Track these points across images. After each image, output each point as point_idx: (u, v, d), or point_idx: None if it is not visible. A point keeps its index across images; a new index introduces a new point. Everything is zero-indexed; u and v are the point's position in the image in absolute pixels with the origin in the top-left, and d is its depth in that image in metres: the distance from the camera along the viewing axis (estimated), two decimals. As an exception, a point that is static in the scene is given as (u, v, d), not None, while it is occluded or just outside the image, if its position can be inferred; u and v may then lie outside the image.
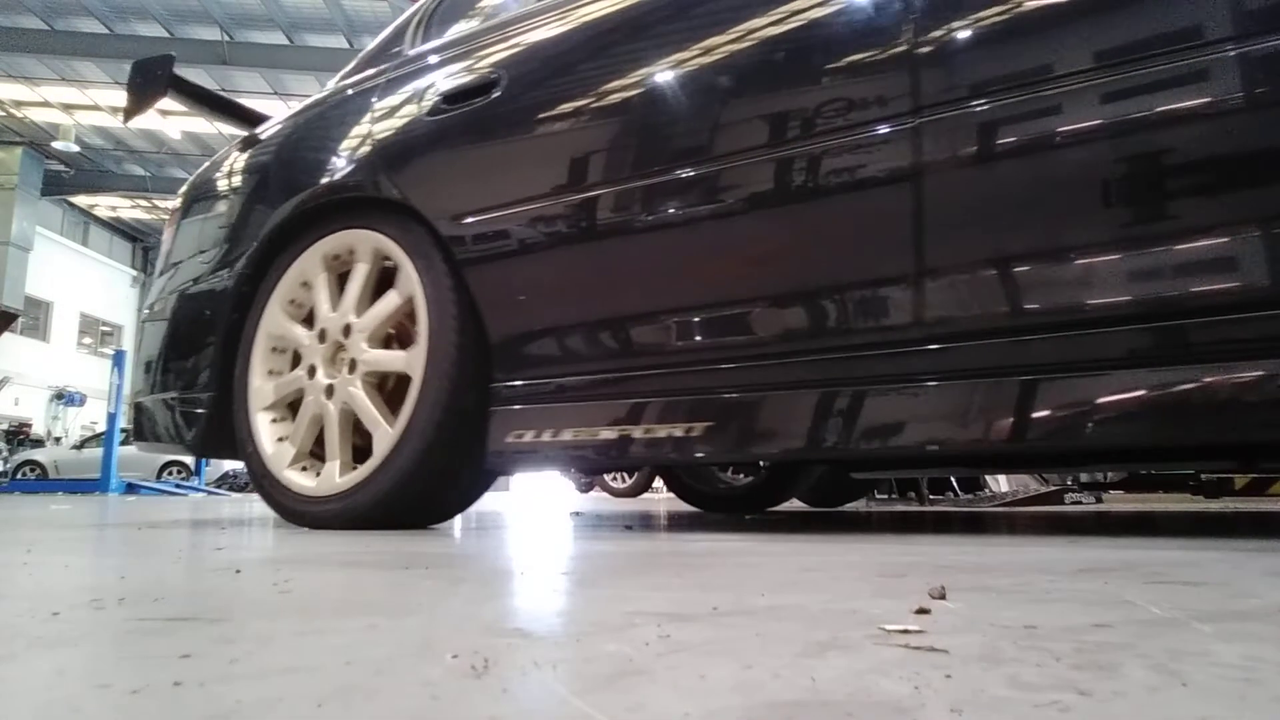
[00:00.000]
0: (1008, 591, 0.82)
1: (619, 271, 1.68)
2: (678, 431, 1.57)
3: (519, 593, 0.89)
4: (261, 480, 2.01)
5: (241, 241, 2.19)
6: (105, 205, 23.97)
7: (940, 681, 0.47)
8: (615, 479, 9.84)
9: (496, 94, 1.87)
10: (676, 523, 2.61)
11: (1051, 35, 1.34)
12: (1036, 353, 1.30)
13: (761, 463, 3.16)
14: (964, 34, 1.40)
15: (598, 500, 7.41)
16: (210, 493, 10.02)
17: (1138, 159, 1.26)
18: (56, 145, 18.30)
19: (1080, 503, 4.76)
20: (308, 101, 2.42)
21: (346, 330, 1.94)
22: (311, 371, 1.98)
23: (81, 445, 15.41)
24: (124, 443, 8.61)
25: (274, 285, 2.10)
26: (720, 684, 0.48)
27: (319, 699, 0.45)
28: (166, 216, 2.59)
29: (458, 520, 2.79)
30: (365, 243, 1.98)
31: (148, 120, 17.59)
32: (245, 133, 2.56)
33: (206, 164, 2.63)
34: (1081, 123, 1.29)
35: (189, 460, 12.67)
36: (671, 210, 1.61)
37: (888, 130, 1.42)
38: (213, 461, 12.62)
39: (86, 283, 24.09)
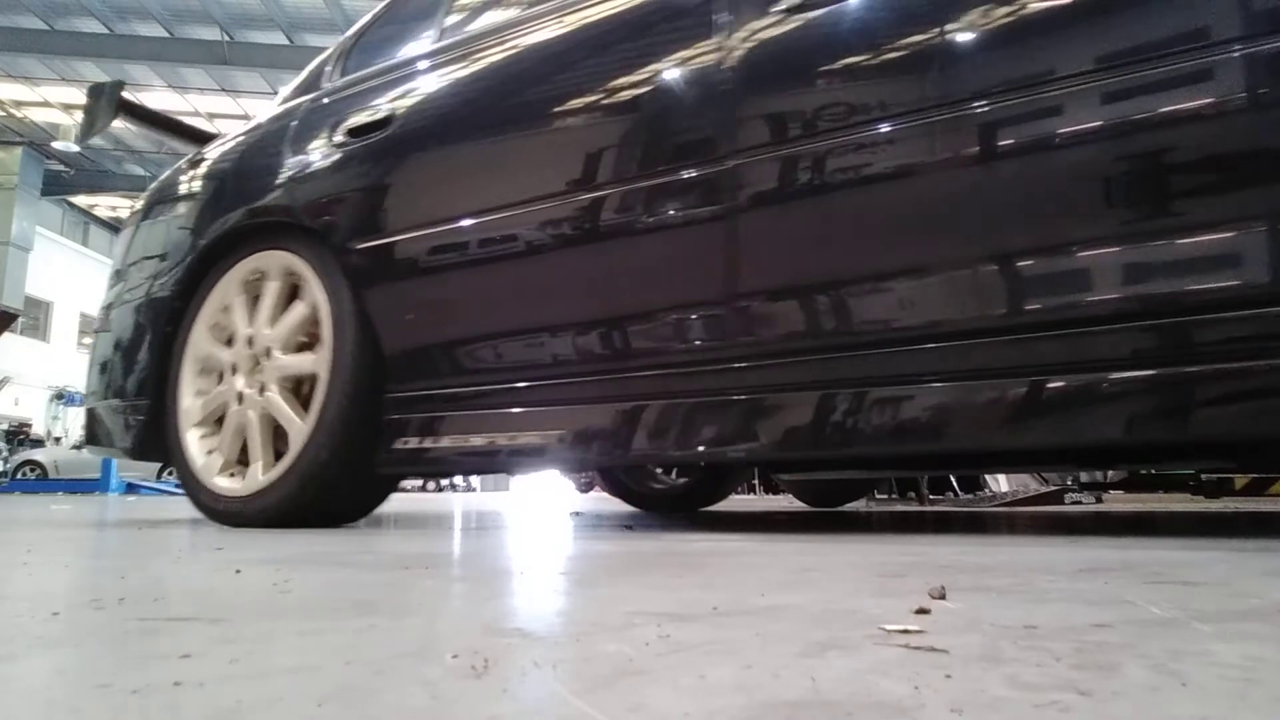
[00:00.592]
0: (1008, 591, 0.82)
1: (483, 295, 1.85)
2: (536, 440, 1.74)
3: (519, 593, 0.89)
4: (191, 486, 2.17)
5: (176, 258, 2.34)
6: (105, 205, 23.98)
7: (940, 681, 0.47)
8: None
9: (389, 130, 2.06)
10: (676, 523, 2.61)
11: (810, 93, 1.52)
12: (832, 369, 1.47)
13: (680, 465, 3.33)
14: (770, 86, 1.57)
15: (598, 500, 7.42)
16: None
17: (892, 200, 1.42)
18: (56, 145, 18.31)
19: (1080, 503, 4.76)
20: (245, 125, 2.58)
21: (262, 341, 2.12)
22: (235, 387, 2.14)
23: (81, 445, 15.40)
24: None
25: (201, 305, 2.25)
26: (720, 684, 0.48)
27: (319, 699, 0.45)
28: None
29: (457, 520, 2.79)
30: (277, 262, 2.16)
31: (148, 120, 17.58)
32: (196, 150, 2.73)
33: (156, 181, 2.76)
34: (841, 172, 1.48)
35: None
36: (522, 242, 1.80)
37: (696, 175, 1.61)
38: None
39: (86, 283, 24.08)
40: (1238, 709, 0.42)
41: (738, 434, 1.53)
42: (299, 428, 1.96)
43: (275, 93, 15.41)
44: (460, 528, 2.34)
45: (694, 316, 1.60)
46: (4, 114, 17.73)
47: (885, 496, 5.23)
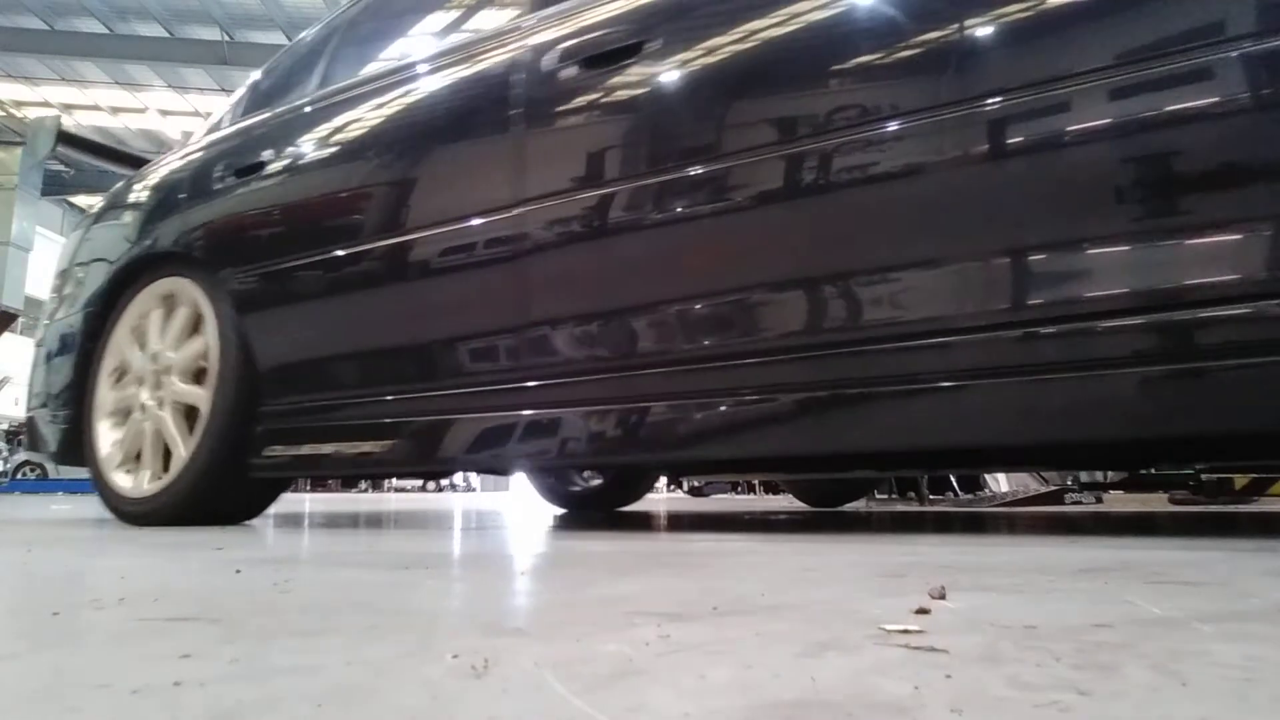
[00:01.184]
0: (1008, 591, 0.82)
1: (327, 322, 2.09)
2: (366, 447, 1.99)
3: (519, 592, 0.89)
4: (98, 481, 2.38)
5: (97, 279, 2.58)
6: (105, 205, 23.96)
7: (940, 681, 0.47)
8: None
9: (262, 172, 2.31)
10: (676, 523, 2.61)
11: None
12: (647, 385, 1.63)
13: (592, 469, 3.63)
14: (554, 134, 1.80)
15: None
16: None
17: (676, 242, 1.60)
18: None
19: (1080, 503, 4.76)
20: (164, 156, 2.83)
21: (164, 361, 2.33)
22: (139, 391, 2.35)
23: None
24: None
25: (121, 314, 2.48)
26: (720, 684, 0.48)
27: (319, 699, 0.45)
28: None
29: (457, 520, 2.79)
30: (185, 289, 2.36)
31: (148, 120, 17.60)
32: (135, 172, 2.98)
33: (100, 201, 2.98)
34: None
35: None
36: (356, 277, 2.04)
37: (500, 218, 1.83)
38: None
39: (86, 283, 24.03)
40: (1238, 709, 0.42)
41: (528, 446, 1.76)
42: (189, 439, 2.20)
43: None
44: (460, 527, 2.34)
45: (492, 342, 1.83)
46: (4, 114, 17.72)
47: (885, 496, 5.23)
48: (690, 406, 1.57)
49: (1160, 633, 0.60)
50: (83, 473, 2.56)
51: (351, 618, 0.71)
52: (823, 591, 0.83)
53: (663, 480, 10.92)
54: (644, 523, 2.52)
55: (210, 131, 2.69)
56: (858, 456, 1.94)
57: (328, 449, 2.04)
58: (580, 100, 1.76)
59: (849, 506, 4.18)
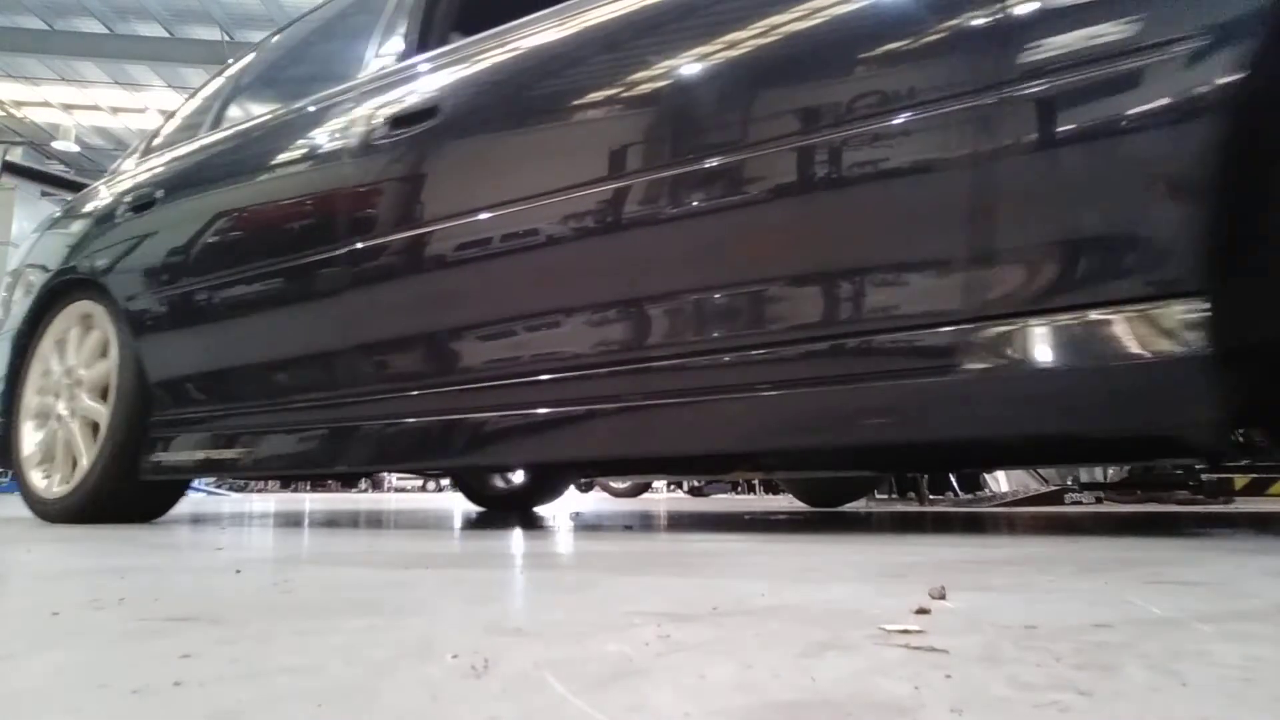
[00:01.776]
0: (1008, 591, 0.82)
1: (194, 343, 2.34)
2: (230, 454, 2.23)
3: (519, 592, 0.89)
4: (18, 478, 2.63)
5: (28, 299, 2.82)
6: (105, 205, 23.94)
7: (940, 681, 0.47)
8: (617, 479, 9.83)
9: (153, 208, 2.56)
10: (676, 523, 2.61)
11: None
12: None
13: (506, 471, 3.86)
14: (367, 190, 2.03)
15: (598, 500, 7.42)
16: (210, 492, 10.02)
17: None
18: (56, 145, 18.29)
19: (1080, 503, 4.76)
20: (95, 184, 3.12)
21: (77, 377, 2.57)
22: (56, 402, 2.59)
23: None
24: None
25: (47, 327, 2.73)
26: (720, 684, 0.48)
27: (319, 699, 0.45)
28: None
29: (457, 520, 2.79)
30: (97, 312, 2.58)
31: (148, 120, 17.59)
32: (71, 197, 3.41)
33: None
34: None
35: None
36: (223, 303, 2.27)
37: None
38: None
39: (86, 283, 24.04)
40: (1238, 709, 0.42)
41: (351, 453, 1.99)
42: (92, 447, 2.44)
43: (275, 93, 15.45)
44: (460, 527, 2.34)
45: (320, 364, 2.07)
46: (4, 114, 17.72)
47: (885, 496, 5.22)
48: (498, 418, 1.77)
49: (1160, 633, 0.60)
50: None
51: (351, 618, 0.71)
52: (823, 591, 0.83)
53: (661, 481, 10.97)
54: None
55: (121, 166, 3.04)
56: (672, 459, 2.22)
57: (200, 455, 2.30)
58: (391, 155, 2.01)
59: (849, 506, 4.18)
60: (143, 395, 2.40)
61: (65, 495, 2.45)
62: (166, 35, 14.76)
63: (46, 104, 17.42)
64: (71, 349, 2.62)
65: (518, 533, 1.98)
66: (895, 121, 1.32)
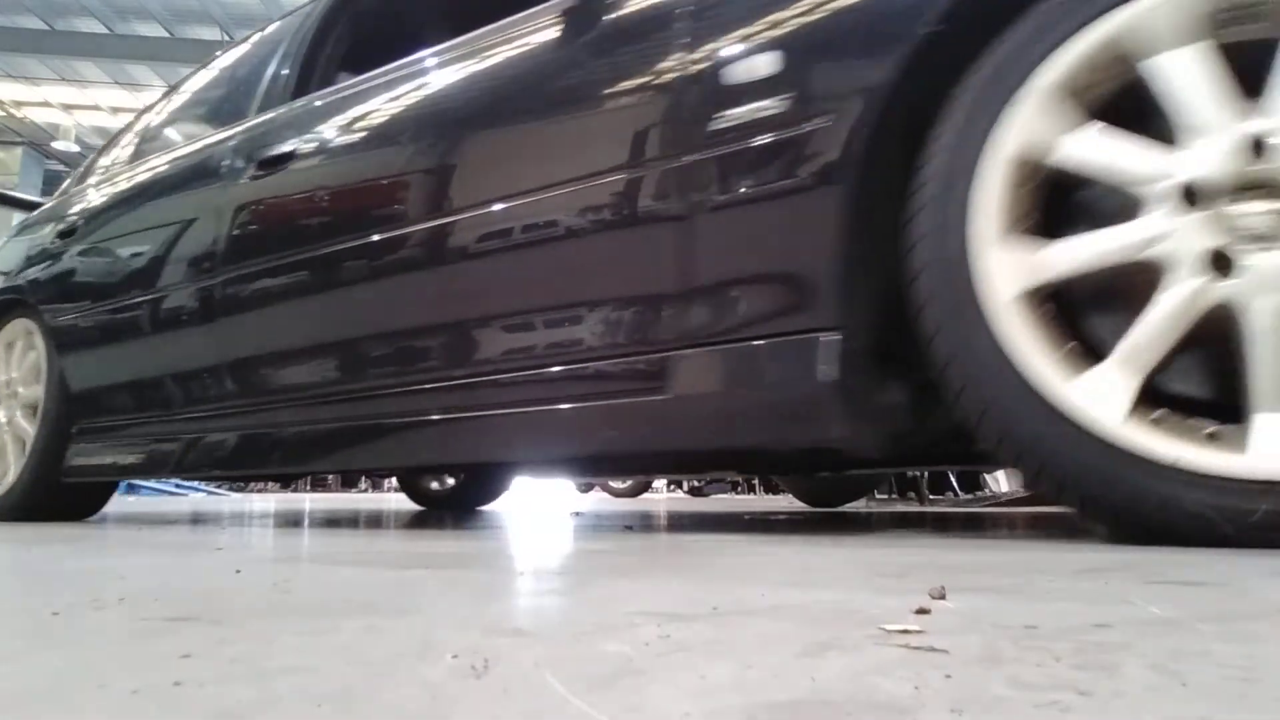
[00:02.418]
0: (1008, 591, 0.82)
1: (108, 359, 2.57)
2: (132, 459, 2.50)
3: (519, 593, 0.89)
4: None
5: None
6: (105, 205, 23.93)
7: (940, 681, 0.47)
8: (616, 479, 9.83)
9: (74, 236, 2.82)
10: (676, 523, 2.61)
11: None
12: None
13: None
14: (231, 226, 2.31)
15: (598, 500, 7.42)
16: (210, 493, 10.02)
17: None
18: (56, 145, 18.29)
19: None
20: (40, 208, 3.45)
21: (14, 389, 2.87)
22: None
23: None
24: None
25: None
26: (720, 684, 0.48)
27: (319, 699, 0.45)
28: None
29: (457, 519, 2.79)
30: (35, 327, 2.85)
31: (148, 120, 17.58)
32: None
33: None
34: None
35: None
36: (125, 323, 2.53)
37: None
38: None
39: (86, 283, 24.01)
40: (1238, 709, 0.42)
41: (231, 459, 2.25)
42: (21, 457, 2.74)
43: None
44: (460, 527, 2.34)
45: (210, 378, 2.30)
46: (4, 114, 17.72)
47: (885, 496, 5.22)
48: (342, 428, 2.04)
49: (1160, 633, 0.60)
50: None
51: (351, 618, 0.71)
52: (823, 591, 0.83)
53: (662, 481, 10.99)
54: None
55: (57, 196, 3.32)
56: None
57: (109, 459, 2.54)
58: (256, 194, 2.26)
59: (849, 506, 4.18)
60: (66, 407, 2.67)
61: (5, 493, 2.75)
62: (166, 35, 14.77)
63: (46, 104, 17.43)
64: (14, 362, 2.91)
65: (517, 533, 1.98)
66: (615, 178, 1.53)
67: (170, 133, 2.93)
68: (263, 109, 2.40)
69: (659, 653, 0.55)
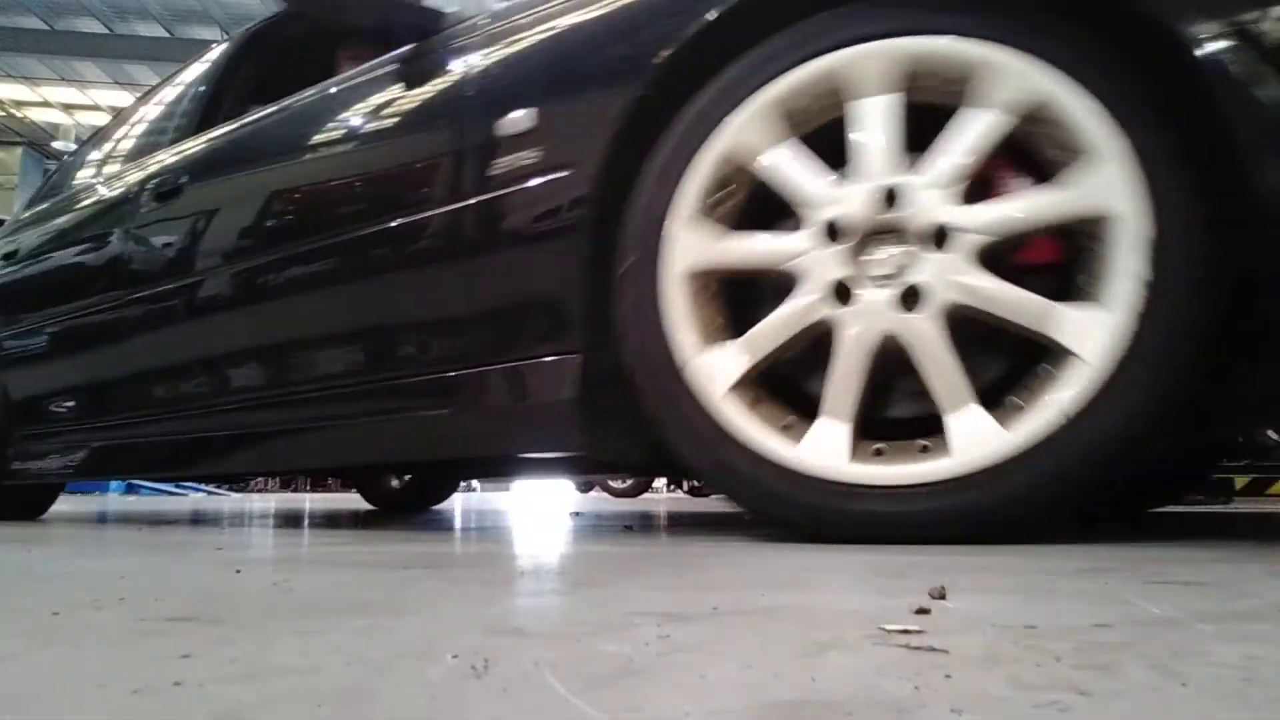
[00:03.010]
0: (1008, 591, 0.82)
1: (39, 373, 2.83)
2: (61, 464, 2.68)
3: (519, 593, 0.89)
4: None
5: None
6: (105, 205, 23.92)
7: (940, 681, 0.47)
8: (616, 479, 9.83)
9: (15, 257, 3.04)
10: (677, 524, 2.61)
11: None
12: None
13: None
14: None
15: (598, 500, 7.41)
16: (210, 492, 10.02)
17: None
18: (56, 145, 18.28)
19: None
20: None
21: None
22: None
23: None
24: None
25: None
26: (720, 684, 0.48)
27: (319, 699, 0.45)
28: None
29: (457, 519, 2.79)
30: None
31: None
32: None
33: None
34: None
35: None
36: (48, 341, 2.76)
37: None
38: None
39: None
40: (1238, 709, 0.42)
41: (125, 463, 2.55)
42: None
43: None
44: (460, 527, 2.34)
45: (113, 391, 2.52)
46: (4, 114, 17.72)
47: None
48: (202, 438, 2.27)
49: (1160, 633, 0.60)
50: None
51: (351, 618, 0.71)
52: (823, 592, 0.83)
53: (662, 481, 10.99)
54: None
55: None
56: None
57: (43, 464, 2.74)
58: (148, 225, 2.47)
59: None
60: (8, 413, 2.89)
61: None
62: (166, 35, 14.76)
63: (46, 104, 17.42)
64: None
65: (516, 533, 1.98)
66: (416, 218, 1.73)
67: (105, 162, 3.15)
68: (171, 144, 2.63)
69: (659, 653, 0.55)
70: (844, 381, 1.23)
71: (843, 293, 1.25)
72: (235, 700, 0.45)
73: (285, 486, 12.23)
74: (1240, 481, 5.09)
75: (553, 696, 0.45)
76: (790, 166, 1.31)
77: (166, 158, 2.54)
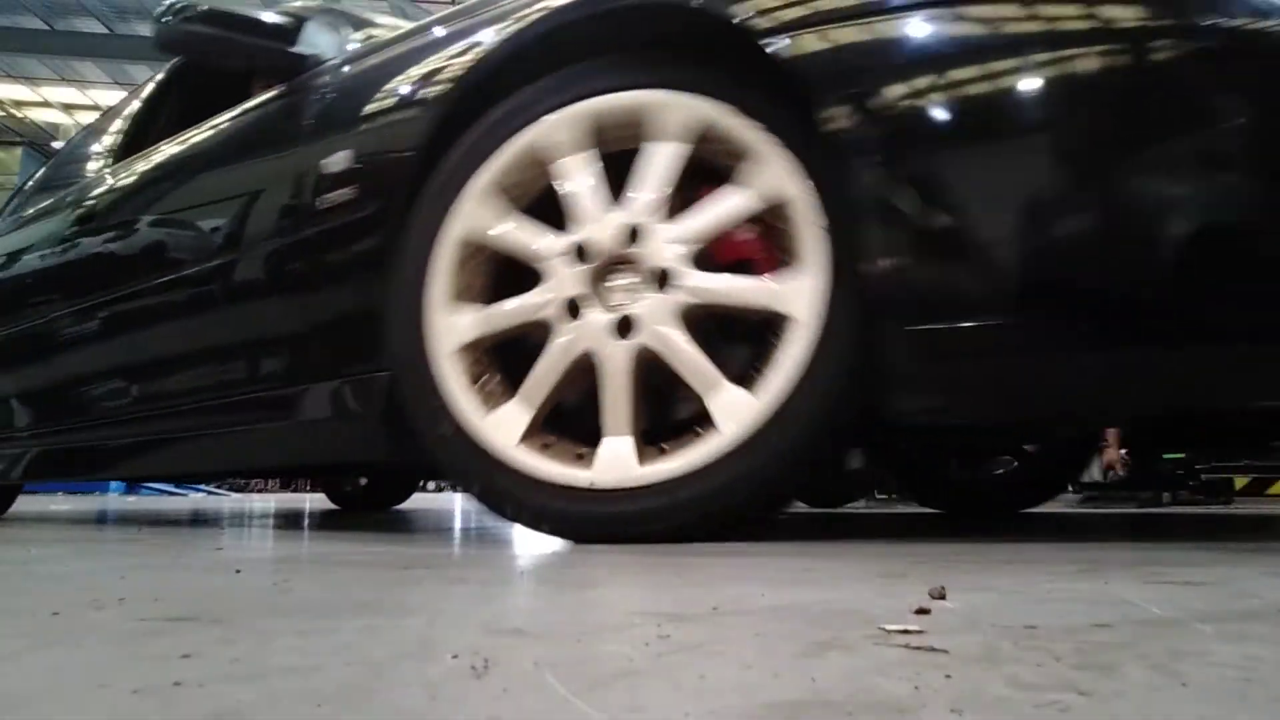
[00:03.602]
0: (1008, 591, 0.82)
1: None
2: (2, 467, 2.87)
3: (519, 593, 0.89)
4: None
5: None
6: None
7: (940, 681, 0.47)
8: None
9: None
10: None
11: None
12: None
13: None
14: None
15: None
16: (210, 493, 10.02)
17: None
18: (56, 145, 18.27)
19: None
20: None
21: None
22: None
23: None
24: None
25: None
26: (720, 684, 0.48)
27: (319, 699, 0.45)
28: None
29: (456, 519, 2.79)
30: None
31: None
32: None
33: None
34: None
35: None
36: None
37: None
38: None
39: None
40: (1238, 709, 0.42)
41: (33, 469, 2.71)
42: None
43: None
44: (459, 527, 2.34)
45: (34, 402, 2.75)
46: (4, 114, 17.72)
47: (885, 497, 5.23)
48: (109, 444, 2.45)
49: (1160, 633, 0.60)
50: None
51: (351, 618, 0.71)
52: (822, 591, 0.83)
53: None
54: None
55: None
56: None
57: None
58: (66, 248, 2.65)
59: (849, 507, 4.18)
60: None
61: None
62: (166, 35, 14.72)
63: (46, 104, 17.43)
64: None
65: (516, 534, 1.98)
66: (259, 250, 1.92)
67: (44, 189, 3.31)
68: (95, 173, 2.83)
69: (659, 653, 0.55)
70: (615, 401, 1.36)
71: (586, 319, 1.39)
72: (235, 700, 0.45)
73: (285, 487, 12.23)
74: (1240, 481, 5.10)
75: (553, 696, 0.45)
76: (517, 233, 1.47)
77: (83, 188, 2.77)
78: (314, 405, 1.77)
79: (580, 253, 1.40)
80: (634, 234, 1.37)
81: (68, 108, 17.56)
